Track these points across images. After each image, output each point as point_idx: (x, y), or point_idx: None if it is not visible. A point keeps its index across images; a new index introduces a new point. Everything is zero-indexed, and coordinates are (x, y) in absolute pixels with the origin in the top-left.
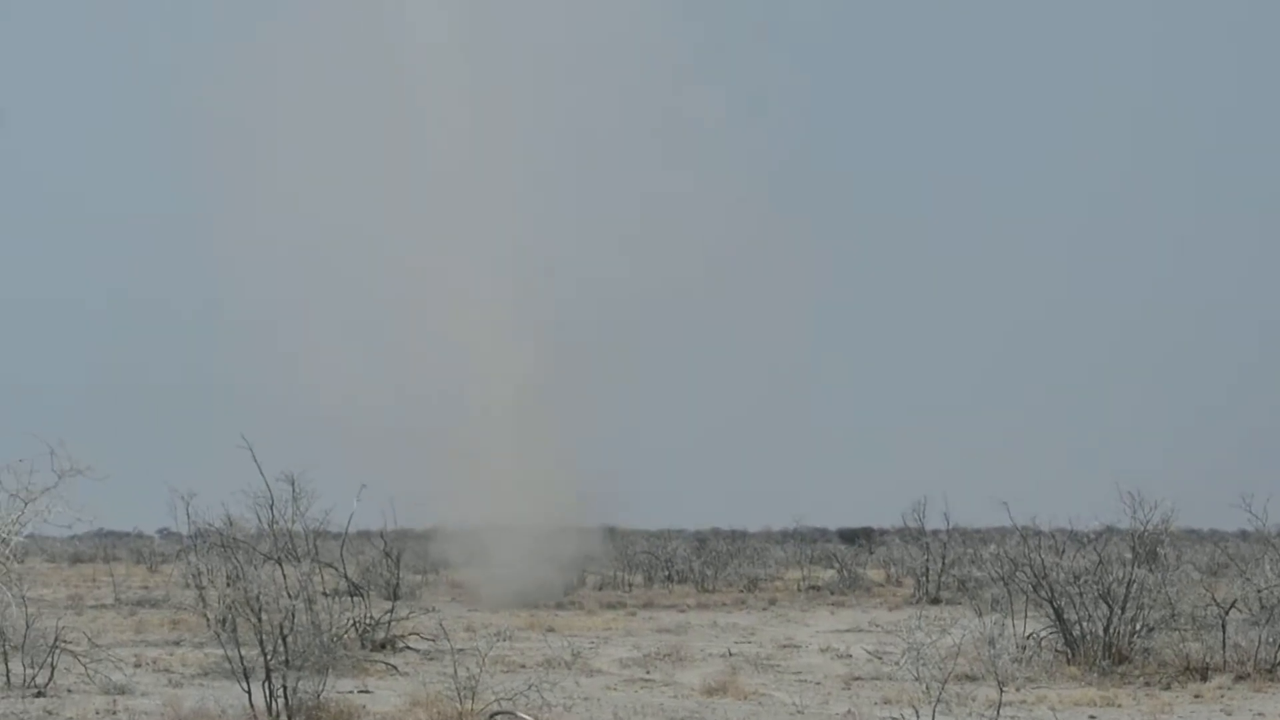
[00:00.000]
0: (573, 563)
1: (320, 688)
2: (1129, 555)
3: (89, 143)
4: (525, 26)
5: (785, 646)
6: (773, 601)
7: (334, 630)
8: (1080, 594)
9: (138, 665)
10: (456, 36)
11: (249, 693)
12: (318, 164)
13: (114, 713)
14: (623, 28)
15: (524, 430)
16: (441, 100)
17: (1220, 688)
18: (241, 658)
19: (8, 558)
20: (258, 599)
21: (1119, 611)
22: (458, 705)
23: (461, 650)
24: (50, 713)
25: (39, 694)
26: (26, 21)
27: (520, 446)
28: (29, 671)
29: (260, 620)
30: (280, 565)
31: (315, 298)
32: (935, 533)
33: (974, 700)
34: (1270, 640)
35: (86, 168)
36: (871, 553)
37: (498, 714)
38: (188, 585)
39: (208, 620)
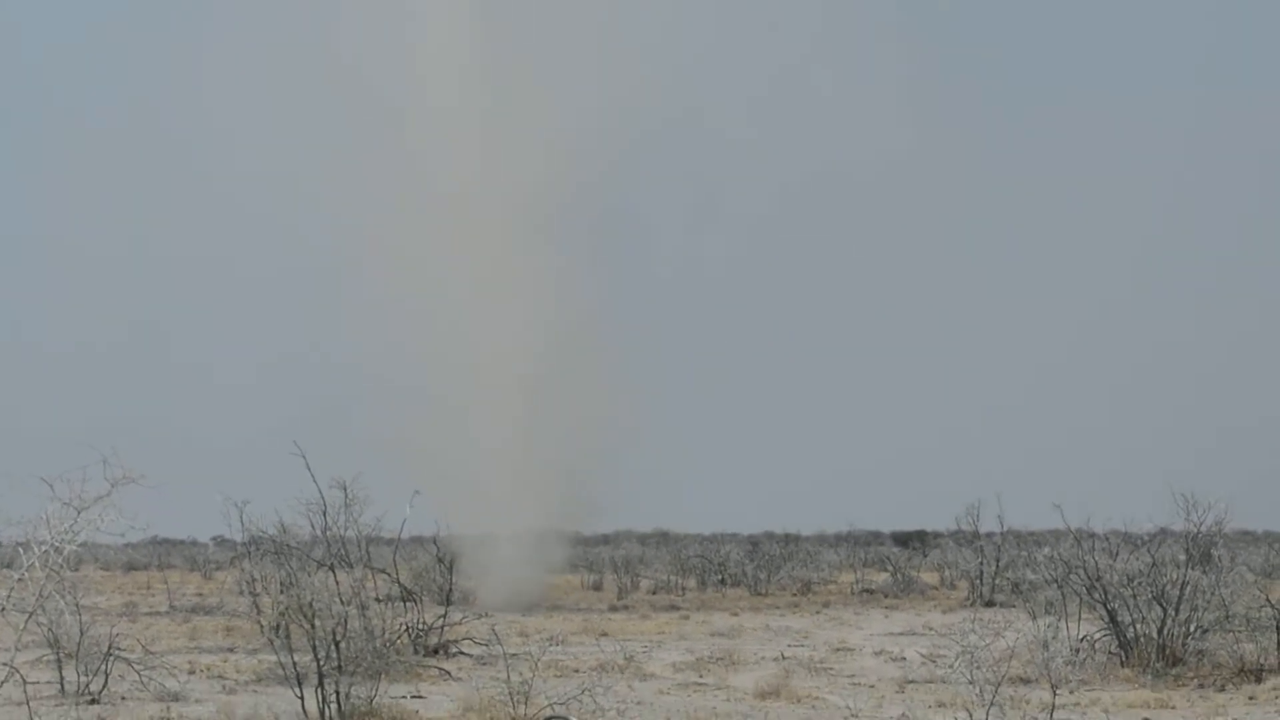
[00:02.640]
0: (563, 566)
1: (373, 693)
2: (1183, 557)
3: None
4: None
5: (839, 650)
6: (826, 605)
7: (387, 636)
8: (1134, 596)
9: (191, 672)
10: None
11: (302, 699)
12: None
13: (168, 719)
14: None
15: (525, 435)
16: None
17: (1275, 689)
18: (295, 664)
19: (61, 566)
20: (311, 605)
21: (1173, 613)
22: (511, 710)
23: (514, 655)
24: (104, 719)
25: (93, 701)
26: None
27: (522, 451)
28: (83, 679)
29: (313, 626)
30: (333, 571)
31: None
32: (989, 535)
33: (1028, 703)
34: None
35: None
36: (925, 556)
37: (551, 718)
38: (241, 592)
39: (261, 627)
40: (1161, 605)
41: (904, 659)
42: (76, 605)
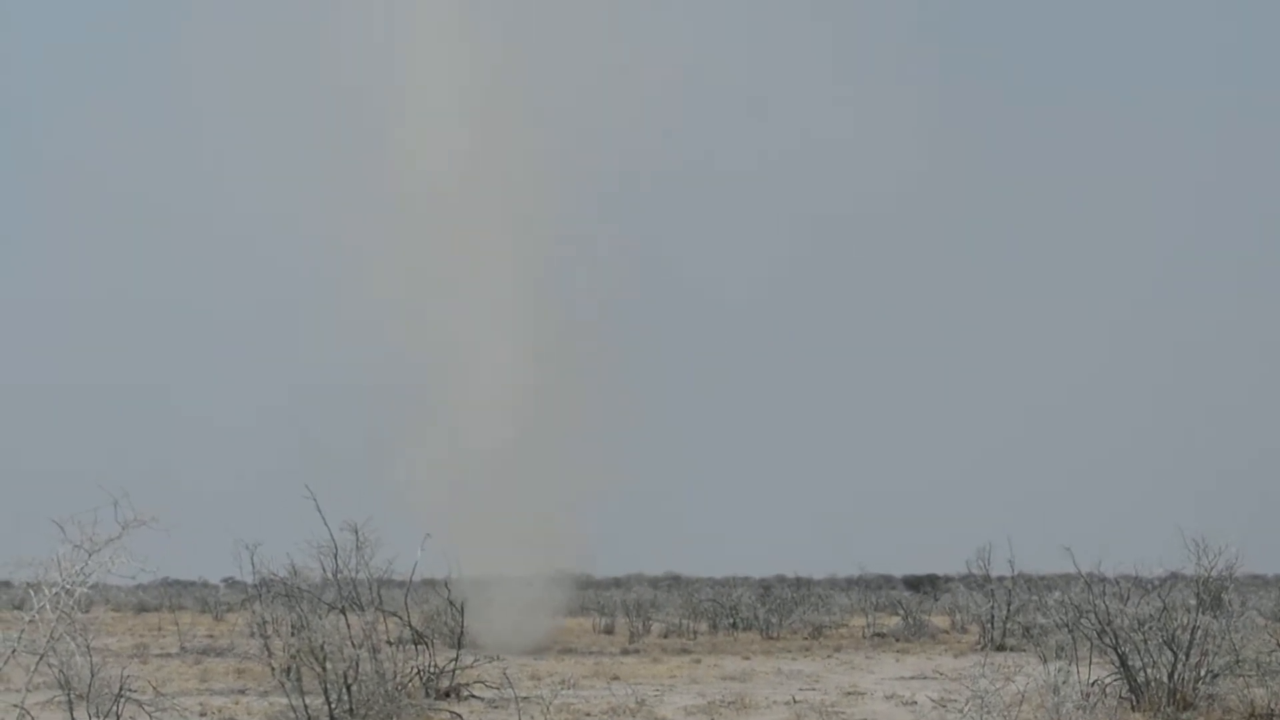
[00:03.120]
0: (575, 609)
1: None
2: (1194, 602)
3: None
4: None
5: (850, 694)
6: (838, 648)
7: (398, 679)
8: (1145, 640)
9: (203, 714)
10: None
11: None
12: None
13: None
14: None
15: (534, 477)
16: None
17: None
18: (306, 706)
19: (72, 607)
20: (322, 648)
21: (1184, 658)
22: None
23: (526, 698)
24: None
25: None
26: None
27: (532, 494)
28: None
29: (325, 669)
30: (344, 614)
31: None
32: (1000, 579)
33: None
34: None
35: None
36: (936, 599)
37: None
38: (252, 634)
39: (272, 669)
40: (1172, 650)
41: (915, 703)
42: (87, 647)
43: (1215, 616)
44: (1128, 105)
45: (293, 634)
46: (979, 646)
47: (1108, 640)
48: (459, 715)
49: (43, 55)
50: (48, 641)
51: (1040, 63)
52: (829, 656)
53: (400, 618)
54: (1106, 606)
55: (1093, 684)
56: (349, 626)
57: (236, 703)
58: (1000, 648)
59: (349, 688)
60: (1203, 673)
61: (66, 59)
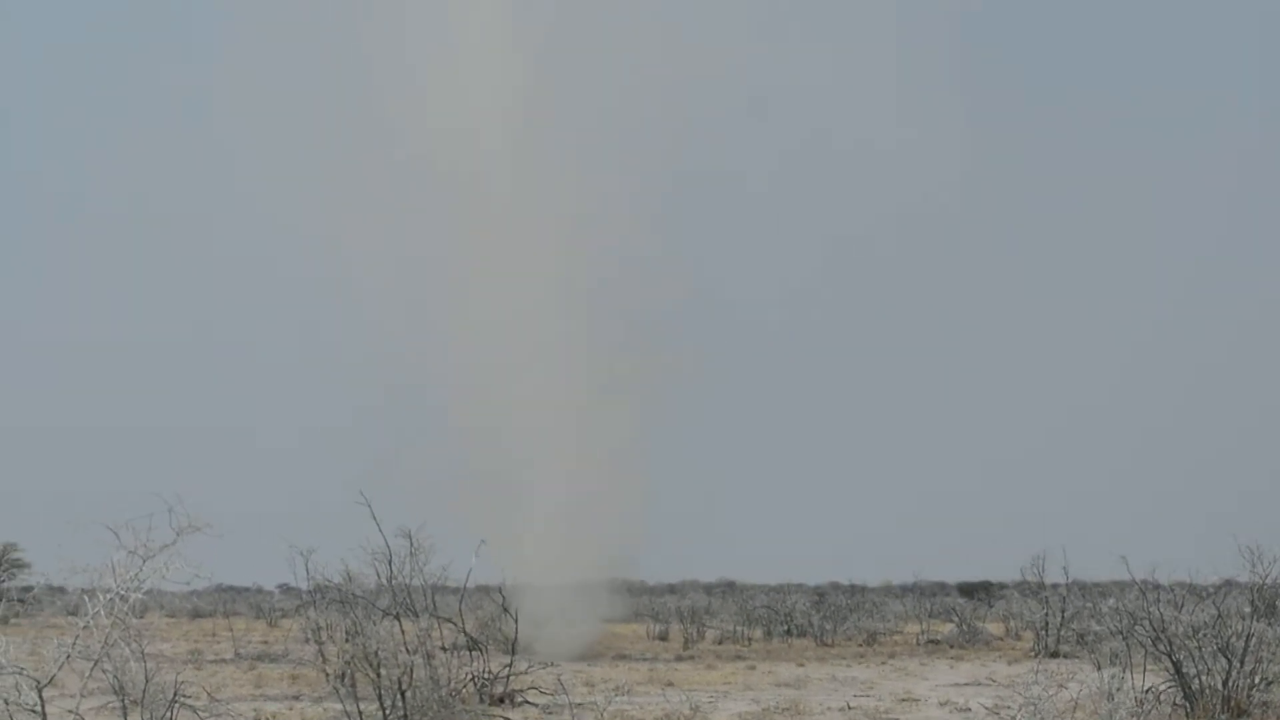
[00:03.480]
0: (629, 616)
1: None
2: (1248, 609)
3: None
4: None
5: (904, 700)
6: (892, 655)
7: (452, 685)
8: (1199, 648)
9: None
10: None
11: None
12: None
13: None
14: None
15: (589, 483)
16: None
17: None
18: (360, 712)
19: (127, 613)
20: (376, 654)
21: (1238, 665)
22: None
23: (580, 705)
24: None
25: None
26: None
27: (586, 500)
28: None
29: (379, 675)
30: (399, 620)
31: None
32: (1054, 586)
33: None
34: None
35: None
36: (991, 606)
37: None
38: (307, 640)
39: (327, 675)
40: (1227, 657)
41: (969, 710)
42: (142, 652)
43: (1270, 624)
44: (1164, 105)
45: (347, 640)
46: (1033, 653)
47: (1162, 647)
48: None
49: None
50: (102, 647)
51: (1061, 62)
52: (883, 663)
53: (455, 624)
54: (1161, 614)
55: (1147, 691)
56: (403, 632)
57: (291, 709)
58: (1054, 655)
59: (403, 694)
60: (1257, 680)
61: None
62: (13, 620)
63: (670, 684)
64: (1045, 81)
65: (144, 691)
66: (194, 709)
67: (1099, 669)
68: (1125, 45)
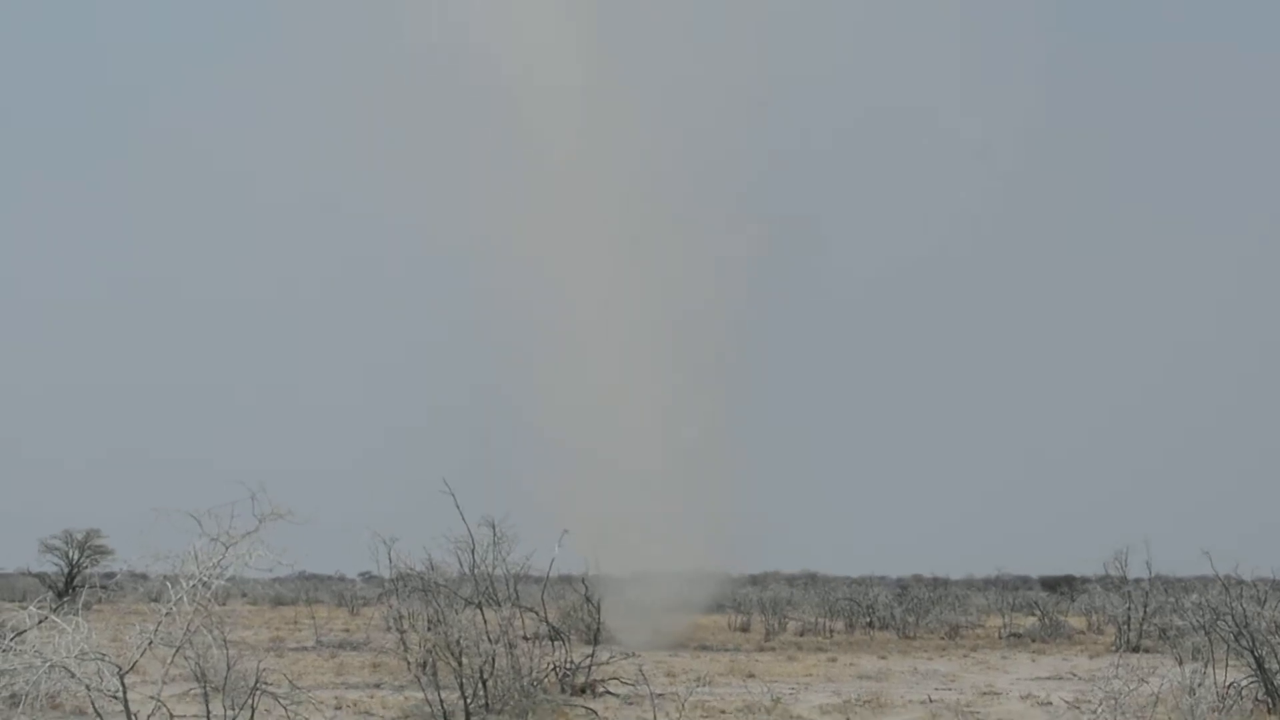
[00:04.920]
0: (711, 606)
1: None
2: None
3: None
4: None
5: (986, 694)
6: (974, 648)
7: (534, 674)
8: None
9: (338, 708)
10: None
11: None
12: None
13: None
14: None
15: (675, 474)
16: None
17: None
18: (442, 701)
19: (209, 600)
20: (458, 643)
21: None
22: None
23: (661, 695)
24: None
25: None
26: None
27: (671, 491)
28: (230, 713)
29: (460, 664)
30: (481, 609)
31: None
32: (1137, 581)
33: None
34: None
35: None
36: (1073, 601)
37: None
38: (389, 628)
39: (408, 663)
40: None
41: (1050, 704)
42: (224, 639)
43: None
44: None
45: (429, 629)
46: (1115, 648)
47: (1244, 643)
48: (594, 711)
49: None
50: (184, 634)
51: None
52: (965, 656)
53: (537, 613)
54: (1244, 609)
55: (1228, 686)
56: (485, 622)
57: (372, 696)
58: (1136, 649)
59: (485, 682)
60: None
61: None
62: (95, 607)
63: (751, 675)
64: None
65: (225, 679)
66: (275, 696)
67: (1181, 664)
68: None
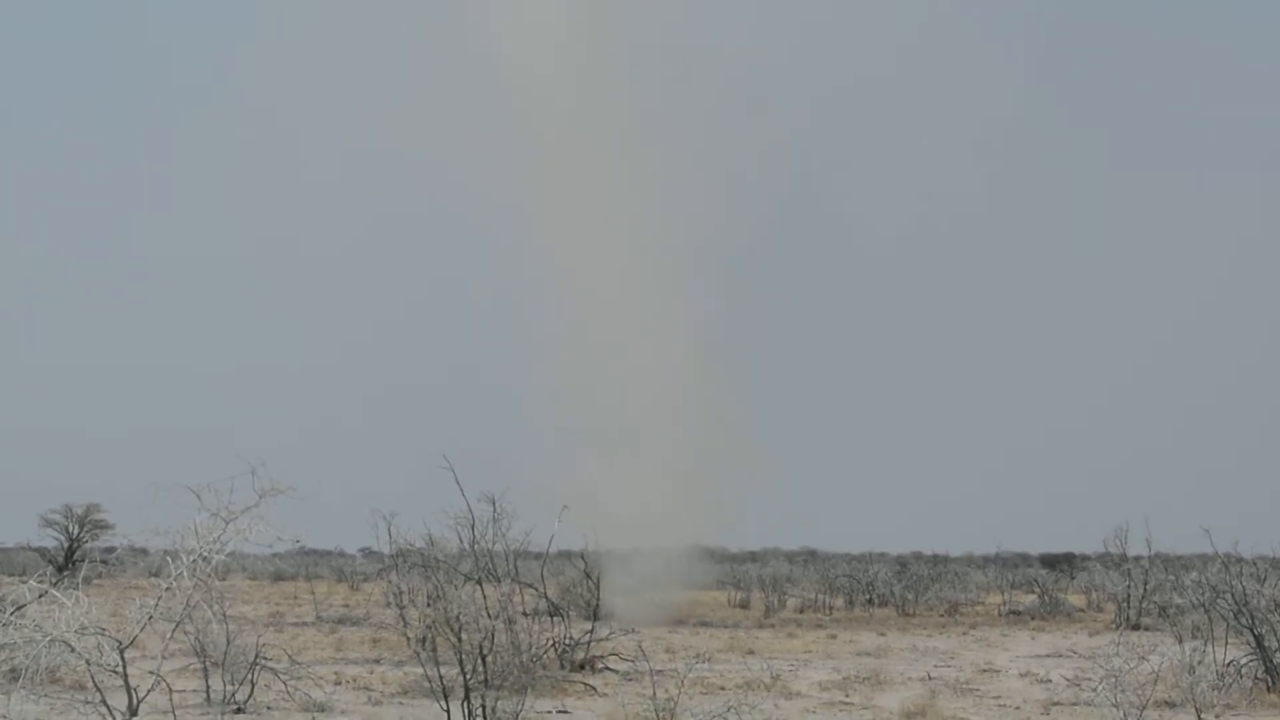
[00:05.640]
0: (710, 583)
1: (519, 708)
2: None
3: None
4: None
5: (985, 671)
6: (973, 626)
7: (533, 650)
8: None
9: (338, 683)
10: None
11: (448, 712)
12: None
13: None
14: None
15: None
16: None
17: None
18: (441, 677)
19: (209, 575)
20: (458, 618)
21: None
22: None
23: (660, 672)
24: None
25: (239, 710)
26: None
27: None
28: (229, 688)
29: (460, 640)
30: (480, 585)
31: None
32: (1137, 559)
33: None
34: None
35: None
36: (1073, 578)
37: None
38: (388, 604)
39: (408, 639)
40: None
41: (1049, 681)
42: (224, 614)
43: None
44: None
45: (428, 604)
46: (1114, 625)
47: (1244, 621)
48: (593, 687)
49: None
50: (184, 609)
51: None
52: (964, 634)
53: (536, 589)
54: (1243, 587)
55: (1228, 664)
56: (485, 597)
57: (371, 672)
58: (1136, 627)
59: (484, 658)
60: None
61: None
62: (95, 581)
63: (751, 652)
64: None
65: (225, 653)
66: (275, 671)
67: (1180, 642)
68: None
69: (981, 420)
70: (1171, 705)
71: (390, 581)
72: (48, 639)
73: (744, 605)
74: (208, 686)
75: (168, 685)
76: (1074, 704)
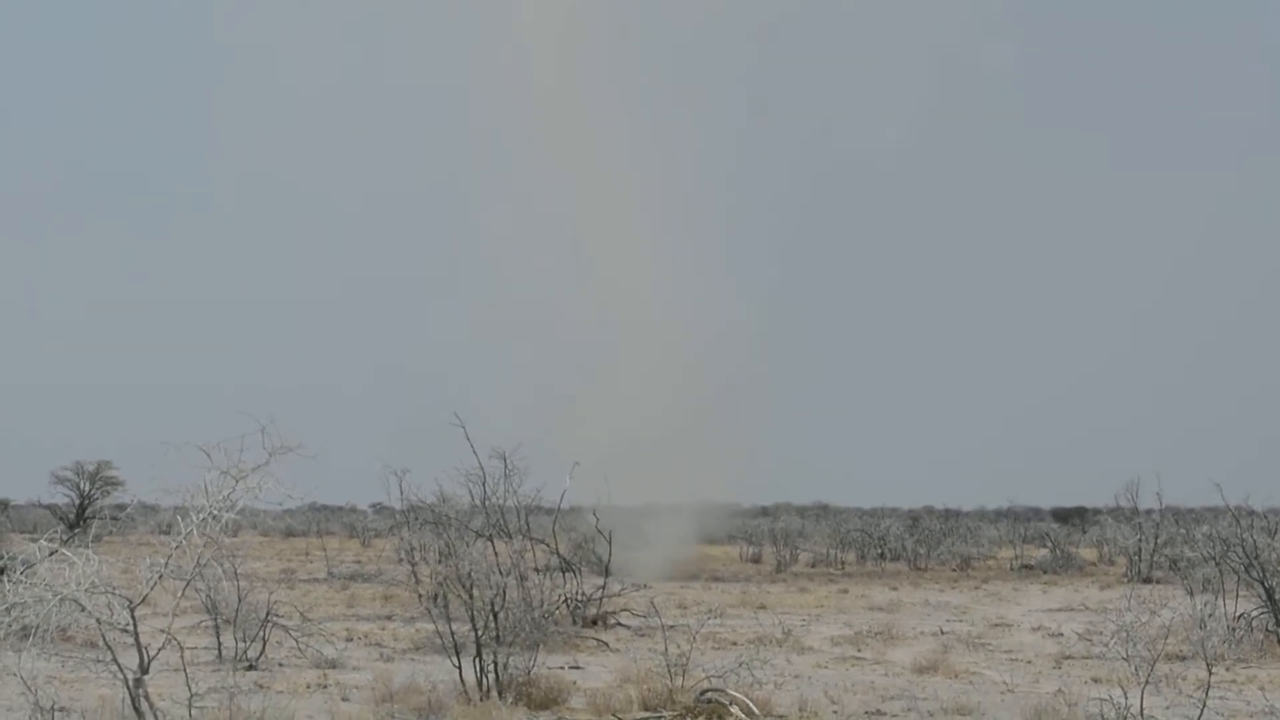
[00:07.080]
0: (722, 538)
1: (531, 664)
2: None
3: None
4: None
5: (997, 625)
6: (985, 580)
7: (545, 606)
8: None
9: (349, 639)
10: None
11: (459, 668)
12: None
13: (325, 686)
14: None
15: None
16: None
17: None
18: (453, 633)
19: (220, 533)
20: (469, 575)
21: None
22: (668, 682)
23: (672, 627)
24: (262, 686)
25: (251, 667)
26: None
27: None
28: (241, 645)
29: (472, 596)
30: (492, 541)
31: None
32: (1148, 512)
33: (1184, 680)
34: None
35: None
36: (1084, 532)
37: (708, 691)
38: (400, 560)
39: (419, 596)
40: None
41: (1061, 635)
42: (235, 572)
43: None
44: None
45: (440, 560)
46: (1126, 579)
47: (1255, 574)
48: (605, 643)
49: None
50: (195, 566)
51: None
52: (976, 588)
53: (548, 545)
54: (1254, 540)
55: (1239, 617)
56: (496, 554)
57: (383, 628)
58: (1147, 580)
59: (495, 615)
60: None
61: None
62: (106, 538)
63: (763, 607)
64: None
65: (237, 611)
66: (286, 628)
67: (1191, 595)
68: None
69: (993, 374)
70: (1182, 659)
71: (402, 538)
72: (58, 598)
73: (756, 560)
74: (219, 644)
75: (179, 643)
76: (1086, 658)
